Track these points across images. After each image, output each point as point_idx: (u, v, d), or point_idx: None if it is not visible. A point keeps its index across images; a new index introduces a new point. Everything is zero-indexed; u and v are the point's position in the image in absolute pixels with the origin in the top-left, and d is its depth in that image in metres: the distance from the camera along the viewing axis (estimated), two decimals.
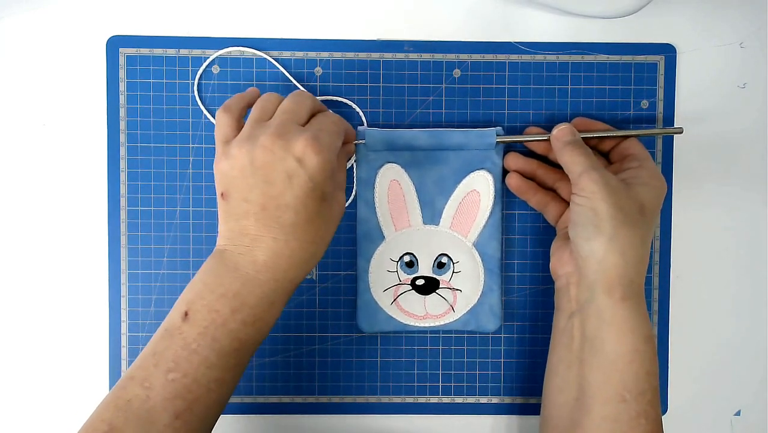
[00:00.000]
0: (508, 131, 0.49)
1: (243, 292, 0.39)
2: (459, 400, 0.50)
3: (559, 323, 0.45)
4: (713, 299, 0.51)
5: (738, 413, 0.51)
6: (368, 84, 0.49)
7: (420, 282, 0.49)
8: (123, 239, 0.49)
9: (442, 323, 0.49)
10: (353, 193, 0.49)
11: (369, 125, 0.49)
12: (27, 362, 0.50)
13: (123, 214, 0.49)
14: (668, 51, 0.49)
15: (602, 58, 0.49)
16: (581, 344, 0.43)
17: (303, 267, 0.41)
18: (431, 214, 0.48)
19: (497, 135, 0.47)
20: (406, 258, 0.49)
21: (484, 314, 0.49)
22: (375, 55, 0.49)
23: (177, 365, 0.38)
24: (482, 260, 0.48)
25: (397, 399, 0.50)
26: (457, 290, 0.49)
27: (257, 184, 0.39)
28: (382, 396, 0.50)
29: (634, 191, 0.42)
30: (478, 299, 0.49)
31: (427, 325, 0.49)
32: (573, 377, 0.43)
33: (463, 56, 0.49)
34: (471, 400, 0.50)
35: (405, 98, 0.49)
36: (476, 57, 0.49)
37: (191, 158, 0.49)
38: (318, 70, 0.49)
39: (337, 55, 0.49)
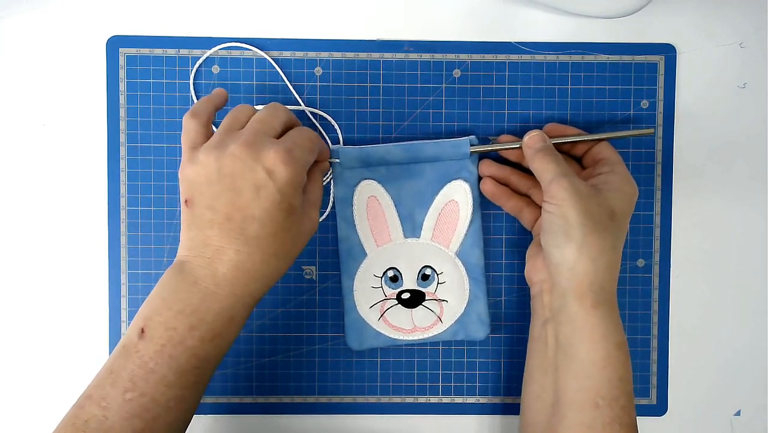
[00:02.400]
0: (508, 132, 0.49)
1: (201, 308, 0.38)
2: (459, 400, 0.50)
3: (534, 329, 0.46)
4: (713, 299, 0.51)
5: (738, 413, 0.51)
6: (368, 84, 0.49)
7: (406, 296, 0.49)
8: (123, 239, 0.49)
9: (430, 334, 0.49)
10: (328, 208, 0.49)
11: (370, 125, 0.49)
12: (27, 362, 0.50)
13: (123, 214, 0.49)
14: (668, 51, 0.49)
15: (602, 58, 0.49)
16: (555, 350, 0.43)
17: (264, 282, 0.40)
18: (411, 227, 0.48)
19: (471, 144, 0.47)
20: (390, 273, 0.49)
21: (472, 322, 0.49)
22: (375, 55, 0.49)
23: (134, 384, 0.37)
24: (466, 269, 0.48)
25: (397, 399, 0.50)
26: (443, 300, 0.48)
27: (223, 192, 0.38)
28: (382, 396, 0.50)
29: (604, 197, 0.42)
30: (465, 309, 0.48)
31: (416, 338, 0.49)
32: (549, 384, 0.44)
33: (463, 56, 0.49)
34: (471, 400, 0.50)
35: (405, 98, 0.49)
36: (476, 57, 0.49)
37: None
38: (318, 70, 0.49)
39: (337, 55, 0.49)
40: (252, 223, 0.38)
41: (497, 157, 0.49)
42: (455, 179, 0.48)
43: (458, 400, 0.50)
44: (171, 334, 0.38)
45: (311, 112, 0.49)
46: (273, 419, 0.50)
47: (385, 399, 0.50)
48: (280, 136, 0.41)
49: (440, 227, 0.48)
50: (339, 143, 0.49)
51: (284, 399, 0.50)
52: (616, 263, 0.43)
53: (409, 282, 0.48)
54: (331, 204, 0.48)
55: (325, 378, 0.50)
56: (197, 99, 0.48)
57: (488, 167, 0.48)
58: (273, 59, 0.49)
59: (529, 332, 0.46)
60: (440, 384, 0.50)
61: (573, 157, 0.48)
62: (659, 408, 0.50)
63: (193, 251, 0.39)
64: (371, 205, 0.48)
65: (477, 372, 0.50)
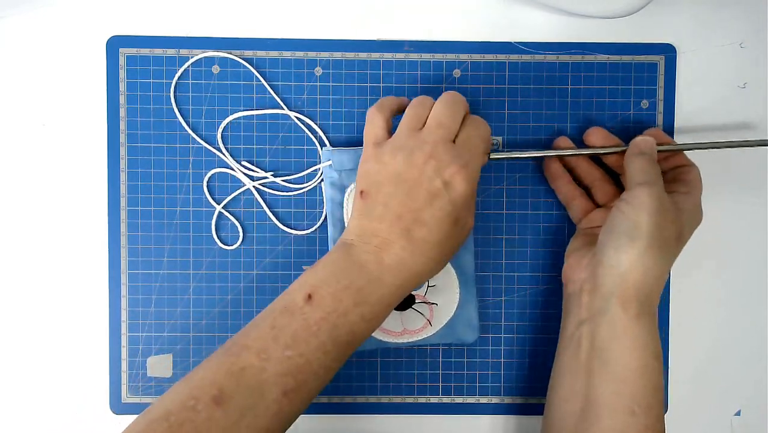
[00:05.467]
0: (508, 132, 0.49)
1: (366, 289, 0.40)
2: (459, 400, 0.50)
3: (566, 329, 0.45)
4: (713, 299, 0.51)
5: (738, 413, 0.51)
6: (368, 84, 0.49)
7: None
8: (123, 239, 0.49)
9: (420, 338, 0.48)
10: (323, 214, 0.49)
11: None
12: (27, 362, 0.50)
13: (123, 215, 0.49)
14: (668, 51, 0.49)
15: (602, 58, 0.49)
16: (590, 353, 0.43)
17: (419, 280, 0.41)
18: None
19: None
20: None
21: (462, 326, 0.48)
22: (375, 55, 0.49)
23: (295, 342, 0.38)
24: (457, 273, 0.48)
25: (397, 399, 0.50)
26: (433, 304, 0.48)
27: (399, 194, 0.40)
28: (382, 396, 0.50)
29: (679, 217, 0.42)
30: (455, 312, 0.48)
31: (405, 341, 0.48)
32: (580, 387, 0.43)
33: (463, 56, 0.49)
34: (471, 400, 0.50)
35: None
36: (476, 57, 0.49)
37: (191, 158, 0.49)
38: (318, 70, 0.49)
39: (337, 55, 0.49)
40: (421, 227, 0.40)
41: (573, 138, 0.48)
42: None
43: (458, 400, 0.50)
44: (337, 305, 0.39)
45: (296, 117, 0.49)
46: None
47: (385, 399, 0.50)
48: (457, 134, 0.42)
49: None
50: (328, 146, 0.49)
51: None
52: (664, 279, 0.42)
53: None
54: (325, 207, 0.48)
55: None
56: (177, 102, 0.49)
57: (564, 141, 0.48)
58: (273, 59, 0.49)
59: (560, 331, 0.46)
60: (440, 384, 0.50)
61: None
62: None
63: (362, 237, 0.41)
64: None
65: (477, 372, 0.50)
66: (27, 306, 0.50)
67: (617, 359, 0.41)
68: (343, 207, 0.48)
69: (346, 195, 0.47)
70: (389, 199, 0.40)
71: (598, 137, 0.47)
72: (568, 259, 0.47)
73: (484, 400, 0.50)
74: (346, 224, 0.47)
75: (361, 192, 0.41)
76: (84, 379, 0.50)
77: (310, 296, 0.39)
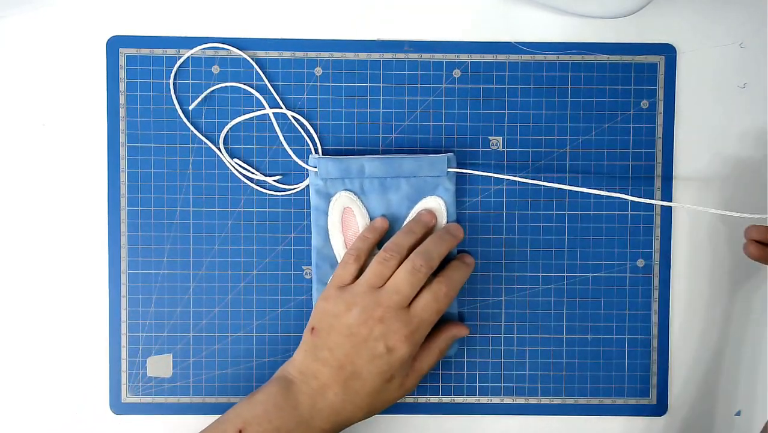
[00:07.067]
0: (508, 132, 0.49)
1: (295, 431, 0.42)
2: (459, 400, 0.50)
3: None
4: (713, 299, 0.51)
5: (738, 413, 0.51)
6: (368, 84, 0.49)
7: None
8: (123, 239, 0.49)
9: None
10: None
11: (370, 125, 0.49)
12: (27, 362, 0.50)
13: (123, 215, 0.49)
14: (668, 51, 0.49)
15: (602, 58, 0.49)
16: None
17: (345, 425, 0.44)
18: (385, 240, 0.48)
19: (449, 162, 0.47)
20: None
21: None
22: (375, 55, 0.49)
23: None
24: None
25: None
26: None
27: (346, 346, 0.43)
28: None
29: None
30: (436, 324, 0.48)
31: None
32: None
33: (463, 56, 0.49)
34: (471, 400, 0.50)
35: (405, 99, 0.49)
36: (476, 57, 0.49)
37: (191, 158, 0.49)
38: (318, 70, 0.49)
39: (337, 55, 0.49)
40: (357, 379, 0.43)
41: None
42: (431, 195, 0.48)
43: (458, 400, 0.50)
44: None
45: (293, 117, 0.49)
46: None
47: None
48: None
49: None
50: (318, 152, 0.49)
51: None
52: None
53: None
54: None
55: None
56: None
57: (753, 231, 0.45)
58: (273, 59, 0.49)
59: None
60: (440, 384, 0.50)
61: None
62: (659, 408, 0.50)
63: (303, 375, 0.44)
64: (346, 216, 0.48)
65: (477, 372, 0.50)
66: (27, 306, 0.50)
67: None
68: (327, 215, 0.48)
69: (332, 203, 0.48)
70: (336, 347, 0.43)
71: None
72: None
73: (484, 400, 0.50)
74: (329, 234, 0.48)
75: (312, 328, 0.44)
76: (84, 379, 0.50)
77: (240, 432, 0.42)
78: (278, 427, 0.42)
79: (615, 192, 0.47)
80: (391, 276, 0.44)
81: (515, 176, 0.49)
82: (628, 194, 0.49)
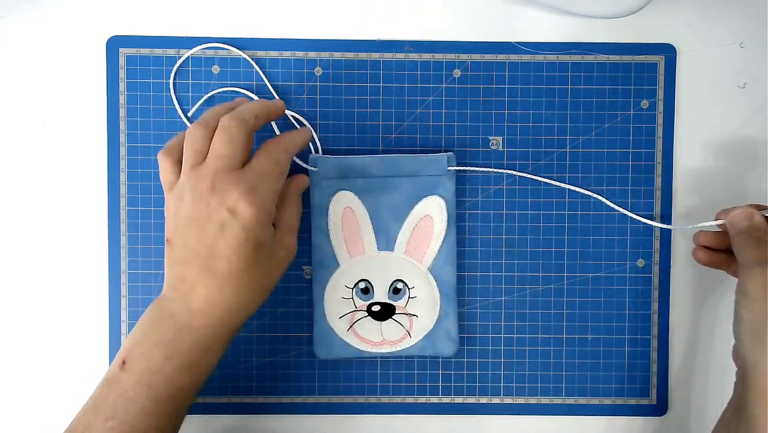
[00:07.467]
0: (508, 132, 0.49)
1: (176, 339, 0.40)
2: (459, 400, 0.50)
3: (725, 414, 0.43)
4: (713, 299, 0.51)
5: None
6: (368, 84, 0.49)
7: (376, 308, 0.48)
8: (123, 239, 0.49)
9: (398, 348, 0.48)
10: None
11: (370, 125, 0.49)
12: (27, 362, 0.50)
13: (123, 214, 0.49)
14: (668, 51, 0.49)
15: (602, 58, 0.49)
16: None
17: (240, 313, 0.42)
18: (385, 240, 0.48)
19: (449, 161, 0.47)
20: (362, 285, 0.48)
21: (441, 339, 0.48)
22: (375, 55, 0.49)
23: (115, 412, 0.39)
24: (438, 285, 0.48)
25: (397, 399, 0.50)
26: (413, 315, 0.48)
27: (193, 233, 0.40)
28: (382, 396, 0.50)
29: None
30: (435, 324, 0.48)
31: (383, 351, 0.48)
32: None
33: (463, 56, 0.49)
34: (471, 400, 0.50)
35: (405, 98, 0.49)
36: (476, 57, 0.49)
37: None
38: (318, 70, 0.49)
39: (337, 55, 0.49)
40: (220, 260, 0.40)
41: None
42: (431, 195, 0.48)
43: (458, 400, 0.50)
44: (149, 364, 0.40)
45: (293, 117, 0.49)
46: (273, 419, 0.50)
47: (385, 399, 0.50)
48: (246, 160, 0.41)
49: (414, 241, 0.48)
50: (319, 151, 0.49)
51: (284, 399, 0.50)
52: None
53: (380, 295, 0.48)
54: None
55: (325, 378, 0.50)
56: (176, 99, 0.49)
57: (701, 237, 0.46)
58: (273, 59, 0.49)
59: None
60: (440, 384, 0.50)
61: None
62: (659, 408, 0.50)
63: (172, 286, 0.41)
64: (346, 215, 0.48)
65: (477, 372, 0.50)
66: (27, 306, 0.50)
67: None
68: (327, 215, 0.48)
69: (332, 203, 0.48)
70: (186, 240, 0.40)
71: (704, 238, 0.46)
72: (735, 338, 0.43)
73: (484, 400, 0.50)
74: (329, 234, 0.48)
75: (167, 240, 0.41)
76: (84, 379, 0.50)
77: (124, 362, 0.40)
78: (158, 342, 0.40)
79: (615, 199, 0.47)
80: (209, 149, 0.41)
81: (514, 171, 0.49)
82: (628, 194, 0.49)
